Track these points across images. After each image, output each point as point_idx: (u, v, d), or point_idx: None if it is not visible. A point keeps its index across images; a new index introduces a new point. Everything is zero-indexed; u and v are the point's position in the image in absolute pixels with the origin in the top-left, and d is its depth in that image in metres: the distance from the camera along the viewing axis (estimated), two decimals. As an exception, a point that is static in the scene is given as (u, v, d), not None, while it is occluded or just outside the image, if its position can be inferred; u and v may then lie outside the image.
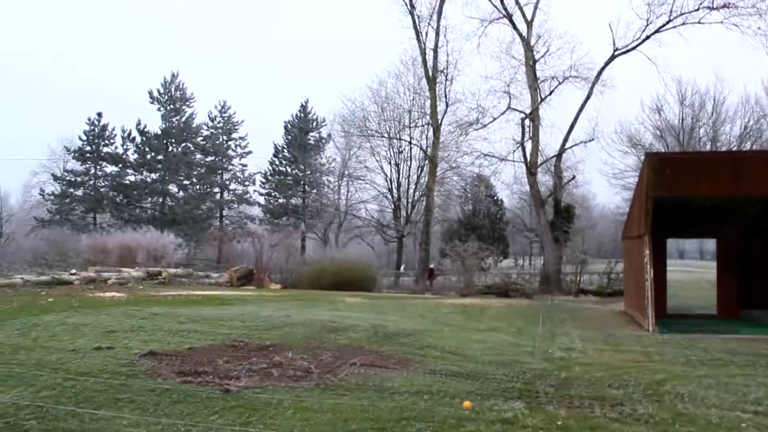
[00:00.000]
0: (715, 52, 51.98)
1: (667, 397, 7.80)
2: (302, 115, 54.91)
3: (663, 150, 44.04)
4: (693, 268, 45.23)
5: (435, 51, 39.21)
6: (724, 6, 32.30)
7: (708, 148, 44.19)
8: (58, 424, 6.24)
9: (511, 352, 11.51)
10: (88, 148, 50.67)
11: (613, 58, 35.50)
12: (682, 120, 44.94)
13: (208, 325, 13.00)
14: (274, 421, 6.52)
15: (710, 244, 56.37)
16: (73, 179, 50.86)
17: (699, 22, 33.54)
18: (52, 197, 50.84)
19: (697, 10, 33.27)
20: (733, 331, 15.58)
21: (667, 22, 34.07)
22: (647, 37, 34.66)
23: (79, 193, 50.71)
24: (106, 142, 51.28)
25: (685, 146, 44.32)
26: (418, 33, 39.19)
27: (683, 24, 33.88)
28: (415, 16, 38.95)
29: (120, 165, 51.15)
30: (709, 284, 24.33)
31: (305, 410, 6.94)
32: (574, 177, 40.09)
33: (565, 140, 36.36)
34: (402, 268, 43.50)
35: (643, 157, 41.92)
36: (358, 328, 13.33)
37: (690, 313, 20.50)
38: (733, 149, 42.83)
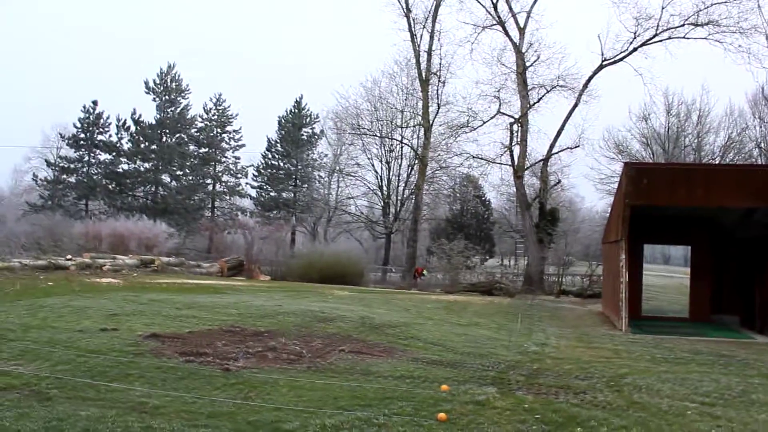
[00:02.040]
0: (702, 64, 53.13)
1: (627, 389, 8.61)
2: (296, 110, 55.50)
3: (649, 158, 45.02)
4: (676, 274, 46.18)
5: (429, 54, 39.85)
6: (708, 23, 33.30)
7: (692, 157, 45.14)
8: (77, 393, 6.96)
9: (489, 345, 12.31)
10: (83, 135, 51.01)
11: (601, 67, 36.32)
12: (668, 129, 45.87)
13: (204, 312, 13.73)
14: (271, 396, 7.28)
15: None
16: (66, 166, 51.18)
17: (684, 37, 34.46)
18: (44, 183, 51.24)
19: (683, 25, 34.18)
20: (701, 334, 16.40)
21: (654, 36, 34.94)
22: (634, 50, 35.49)
23: (72, 179, 51.07)
24: (101, 130, 51.64)
25: (670, 155, 45.27)
26: (412, 35, 39.86)
27: (669, 38, 34.77)
28: (411, 19, 39.59)
29: (114, 153, 51.51)
30: (687, 289, 25.20)
31: (299, 388, 7.70)
32: (559, 181, 40.91)
33: (552, 146, 37.22)
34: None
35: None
36: (346, 319, 14.10)
37: (664, 315, 21.35)
38: (717, 159, 43.86)
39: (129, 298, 15.55)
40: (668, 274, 44.77)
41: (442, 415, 6.62)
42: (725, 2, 33.06)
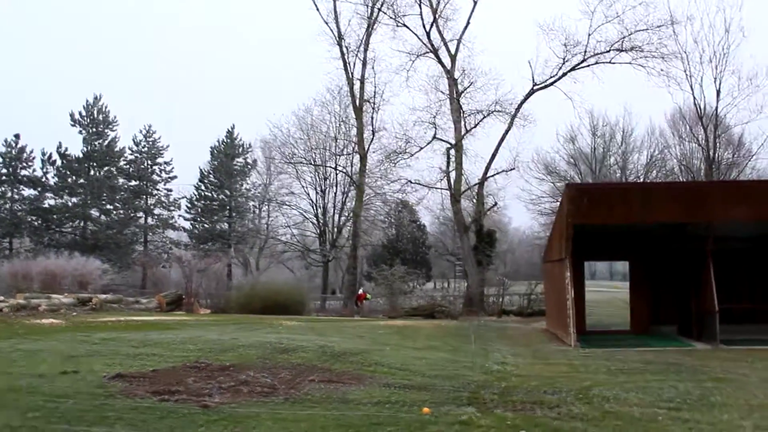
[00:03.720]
0: (625, 87, 56.07)
1: (596, 400, 8.96)
2: (228, 140, 55.06)
3: (576, 177, 46.73)
4: (604, 288, 47.73)
5: (362, 81, 40.25)
6: (632, 49, 35.18)
7: (618, 175, 47.16)
8: (59, 440, 6.78)
9: (452, 367, 12.54)
10: (5, 170, 49.36)
11: (532, 92, 37.60)
12: (594, 149, 47.84)
13: (162, 349, 13.47)
14: (257, 430, 7.24)
15: (618, 265, 59.64)
16: (-13, 203, 49.37)
17: (610, 62, 36.32)
18: (-36, 222, 49.19)
19: (608, 51, 35.99)
20: (645, 345, 17.13)
21: (582, 61, 36.56)
22: (564, 74, 36.98)
23: (-6, 217, 49.26)
24: (24, 164, 50.10)
25: (597, 174, 47.14)
26: (345, 63, 40.19)
27: (596, 63, 36.47)
28: (343, 47, 39.93)
29: (39, 188, 49.97)
30: (622, 303, 26.13)
31: (283, 420, 7.69)
32: (496, 204, 41.97)
33: (487, 169, 38.11)
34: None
35: (558, 184, 44.54)
36: (306, 349, 14.07)
37: (606, 329, 22.08)
38: (641, 177, 45.89)
39: (79, 338, 15.09)
40: (597, 288, 46.21)
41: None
42: (647, 30, 35.06)
